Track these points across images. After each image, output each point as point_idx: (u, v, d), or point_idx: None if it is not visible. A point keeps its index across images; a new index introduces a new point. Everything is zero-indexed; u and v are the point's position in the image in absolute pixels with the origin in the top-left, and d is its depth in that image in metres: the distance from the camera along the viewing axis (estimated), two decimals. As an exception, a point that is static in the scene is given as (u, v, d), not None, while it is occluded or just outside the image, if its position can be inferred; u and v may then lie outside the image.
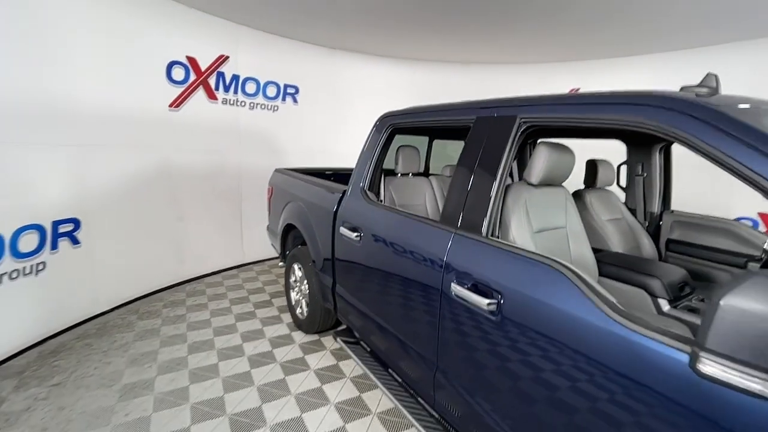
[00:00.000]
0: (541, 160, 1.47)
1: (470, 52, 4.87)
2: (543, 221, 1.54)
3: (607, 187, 2.28)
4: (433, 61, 5.35)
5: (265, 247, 4.19)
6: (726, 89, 1.20)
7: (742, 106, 1.00)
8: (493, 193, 1.37)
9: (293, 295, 3.09)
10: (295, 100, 4.78)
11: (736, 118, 0.89)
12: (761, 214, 4.01)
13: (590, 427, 0.98)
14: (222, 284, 3.96)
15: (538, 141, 1.55)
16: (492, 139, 1.44)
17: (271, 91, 4.53)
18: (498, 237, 1.41)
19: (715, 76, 1.12)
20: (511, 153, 1.38)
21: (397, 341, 1.79)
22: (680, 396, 0.80)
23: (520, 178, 3.02)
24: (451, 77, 5.42)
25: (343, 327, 2.88)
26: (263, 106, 4.49)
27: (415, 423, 1.60)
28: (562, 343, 1.04)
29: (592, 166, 2.19)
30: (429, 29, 4.01)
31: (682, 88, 1.16)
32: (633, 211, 2.30)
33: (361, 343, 2.31)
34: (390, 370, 2.02)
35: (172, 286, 3.80)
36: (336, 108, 5.13)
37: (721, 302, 0.64)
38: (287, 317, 3.24)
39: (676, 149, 2.96)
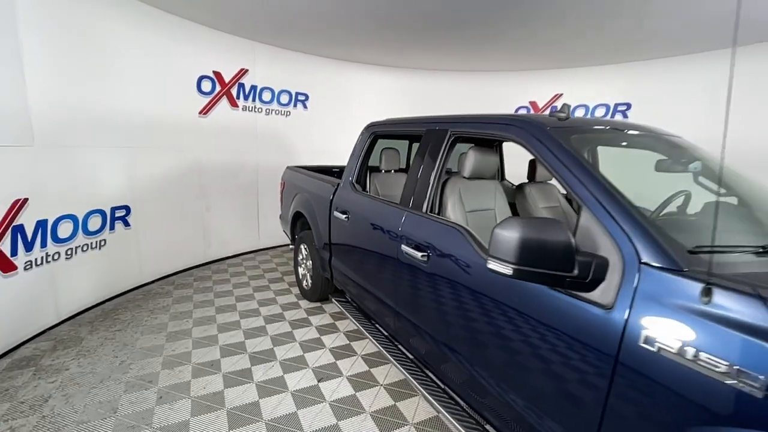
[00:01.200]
0: (470, 161, 2.06)
1: (461, 61, 5.42)
2: (474, 204, 2.12)
3: (549, 181, 2.83)
4: (428, 69, 5.92)
5: (278, 235, 4.87)
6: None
7: (571, 129, 1.57)
8: (431, 182, 1.98)
9: (300, 271, 3.74)
10: (305, 106, 5.43)
11: (555, 138, 1.47)
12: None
13: (473, 311, 1.58)
14: (241, 264, 4.65)
15: (469, 147, 2.12)
16: (433, 145, 2.05)
17: (284, 98, 5.19)
18: (437, 214, 2.01)
19: (568, 105, 1.70)
20: (445, 155, 1.98)
21: (374, 297, 2.41)
22: (483, 286, 1.45)
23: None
24: (444, 84, 5.98)
25: (340, 293, 3.52)
26: (277, 112, 5.16)
27: (392, 360, 2.18)
28: (461, 274, 1.64)
29: (532, 164, 2.75)
30: (423, 42, 4.55)
31: (551, 114, 1.74)
32: (570, 201, 2.85)
33: (352, 302, 2.94)
34: (373, 322, 2.64)
35: (200, 265, 4.51)
36: (341, 112, 5.76)
37: (495, 230, 1.22)
38: (296, 290, 3.89)
39: (622, 153, 3.48)
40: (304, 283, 3.67)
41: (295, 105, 5.33)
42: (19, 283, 2.67)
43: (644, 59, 4.96)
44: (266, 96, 5.00)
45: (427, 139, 2.11)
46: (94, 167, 3.26)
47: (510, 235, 1.16)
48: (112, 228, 3.46)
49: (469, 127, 1.89)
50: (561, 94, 5.79)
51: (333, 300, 3.04)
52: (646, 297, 1.05)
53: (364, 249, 2.49)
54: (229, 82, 4.56)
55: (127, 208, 3.61)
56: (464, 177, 2.11)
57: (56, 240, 2.94)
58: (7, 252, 2.57)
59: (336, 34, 4.34)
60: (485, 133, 1.79)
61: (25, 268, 2.71)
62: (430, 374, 2.03)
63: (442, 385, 1.94)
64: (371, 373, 2.54)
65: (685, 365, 0.94)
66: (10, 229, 2.58)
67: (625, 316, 1.07)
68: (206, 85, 4.33)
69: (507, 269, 1.16)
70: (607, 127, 1.93)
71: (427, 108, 3.74)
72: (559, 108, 1.72)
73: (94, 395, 2.22)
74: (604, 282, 1.14)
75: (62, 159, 2.95)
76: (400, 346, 2.30)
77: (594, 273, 1.14)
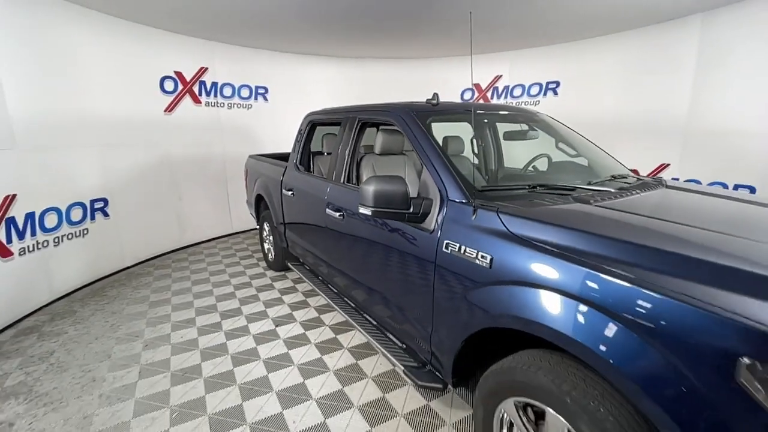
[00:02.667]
0: (378, 141, 2.59)
1: (409, 49, 5.88)
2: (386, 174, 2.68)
3: (462, 154, 3.41)
4: (379, 58, 6.39)
5: (250, 219, 5.36)
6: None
7: (430, 113, 2.13)
8: (346, 159, 2.52)
9: (266, 246, 4.28)
10: (266, 99, 5.87)
11: (417, 122, 2.02)
12: (633, 170, 5.15)
13: (369, 251, 2.15)
14: (215, 247, 5.16)
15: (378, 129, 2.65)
16: (348, 129, 2.59)
17: (245, 92, 5.61)
18: (356, 184, 2.56)
19: (437, 94, 2.26)
20: (355, 137, 2.52)
21: (314, 255, 2.98)
22: (373, 232, 2.00)
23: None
24: (394, 72, 6.47)
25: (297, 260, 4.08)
26: (239, 105, 5.59)
27: (337, 307, 2.71)
28: (362, 226, 2.21)
29: (445, 140, 3.31)
30: (372, 33, 4.95)
31: (427, 100, 2.29)
32: (479, 169, 3.44)
33: (304, 265, 3.50)
34: (321, 278, 3.21)
35: (177, 250, 4.99)
36: (300, 103, 6.18)
37: (360, 186, 1.77)
38: (263, 263, 4.43)
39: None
40: (270, 256, 4.21)
41: (255, 98, 5.76)
42: (17, 266, 3.14)
43: (573, 40, 5.54)
44: (227, 91, 5.41)
45: (344, 125, 2.65)
46: (71, 164, 3.69)
47: (369, 188, 1.72)
48: (92, 218, 3.92)
49: (367, 114, 2.45)
50: (501, 76, 6.36)
51: (289, 264, 3.60)
52: (450, 221, 1.63)
53: (305, 217, 3.04)
54: (191, 80, 4.96)
55: (105, 200, 4.06)
56: (376, 154, 2.67)
57: (44, 230, 3.40)
58: (4, 240, 3.03)
59: (286, 31, 4.76)
60: (376, 119, 2.34)
61: (20, 254, 3.17)
62: (359, 311, 2.61)
63: (371, 320, 2.49)
64: (321, 318, 3.13)
65: (462, 257, 1.53)
66: (3, 220, 3.03)
67: (438, 235, 1.65)
68: (169, 85, 4.73)
69: (368, 211, 1.73)
70: (462, 110, 2.50)
71: (379, 95, 4.19)
72: (432, 96, 2.27)
73: (91, 348, 2.75)
74: (429, 215, 1.72)
75: (42, 158, 3.38)
76: (344, 298, 2.87)
77: (423, 209, 1.72)
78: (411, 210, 1.71)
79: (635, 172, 5.40)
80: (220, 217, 5.58)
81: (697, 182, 4.51)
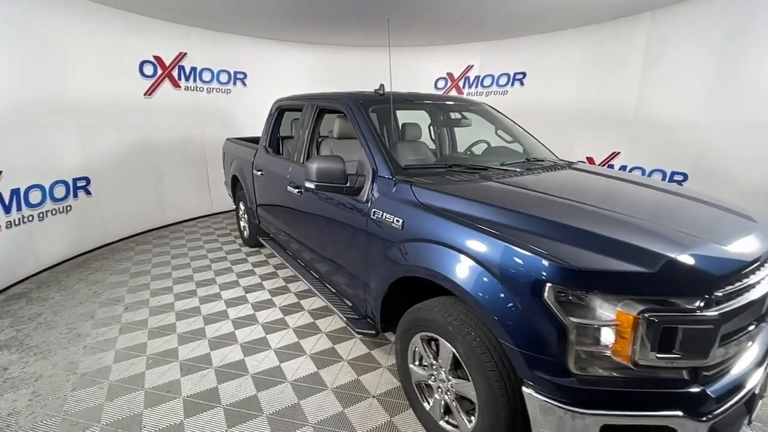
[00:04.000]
0: (335, 126, 2.88)
1: (382, 38, 6.11)
2: (343, 156, 2.99)
3: (420, 140, 3.72)
4: (355, 46, 6.60)
5: (230, 201, 5.62)
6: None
7: (373, 102, 2.43)
8: (306, 141, 2.82)
9: (241, 224, 4.58)
10: (244, 84, 6.07)
11: (360, 110, 2.33)
12: (588, 158, 5.55)
13: (320, 222, 2.48)
14: (196, 226, 5.43)
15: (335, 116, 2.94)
16: (308, 115, 2.88)
17: (224, 77, 5.81)
18: (314, 164, 2.86)
19: (383, 85, 2.56)
20: (314, 122, 2.82)
21: (279, 229, 3.29)
22: (322, 207, 2.32)
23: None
24: (370, 59, 6.67)
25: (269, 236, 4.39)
26: (218, 90, 5.78)
27: (301, 277, 3.03)
28: (315, 200, 2.52)
29: (403, 127, 3.62)
30: (349, 21, 5.15)
31: (374, 91, 2.59)
32: (435, 153, 3.76)
33: (274, 239, 3.81)
34: (287, 251, 3.53)
35: (158, 228, 5.25)
36: (278, 88, 6.33)
37: (305, 163, 2.08)
38: (239, 240, 4.73)
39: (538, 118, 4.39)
40: (245, 233, 4.51)
41: (234, 83, 5.95)
42: (4, 238, 3.39)
43: (538, 33, 5.83)
44: (206, 76, 5.60)
45: (305, 111, 2.95)
46: (54, 144, 3.91)
47: (312, 165, 2.04)
48: (75, 196, 4.15)
49: (323, 102, 2.74)
50: (472, 66, 6.65)
51: (260, 239, 3.92)
52: (378, 193, 1.97)
53: (272, 194, 3.35)
54: (170, 64, 5.14)
55: (87, 179, 4.29)
56: (335, 137, 2.97)
57: (29, 205, 3.64)
58: (-9, 213, 3.28)
59: (264, 17, 4.95)
60: (330, 106, 2.64)
61: (6, 227, 3.42)
62: (319, 279, 2.94)
63: (331, 288, 2.79)
64: (287, 287, 3.47)
65: (383, 221, 1.87)
66: (-9, 195, 3.27)
67: (369, 205, 1.99)
68: (148, 69, 4.91)
69: (312, 185, 2.05)
70: (404, 100, 2.80)
71: (353, 82, 4.43)
72: (378, 87, 2.58)
73: (76, 310, 3.05)
74: (363, 188, 2.05)
75: (26, 138, 3.59)
76: (307, 268, 3.20)
77: (358, 184, 2.05)
78: (348, 184, 2.04)
79: (590, 160, 5.81)
80: (201, 198, 5.83)
81: (642, 170, 4.92)
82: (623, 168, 5.16)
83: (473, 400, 1.53)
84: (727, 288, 1.23)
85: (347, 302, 2.52)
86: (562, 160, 2.70)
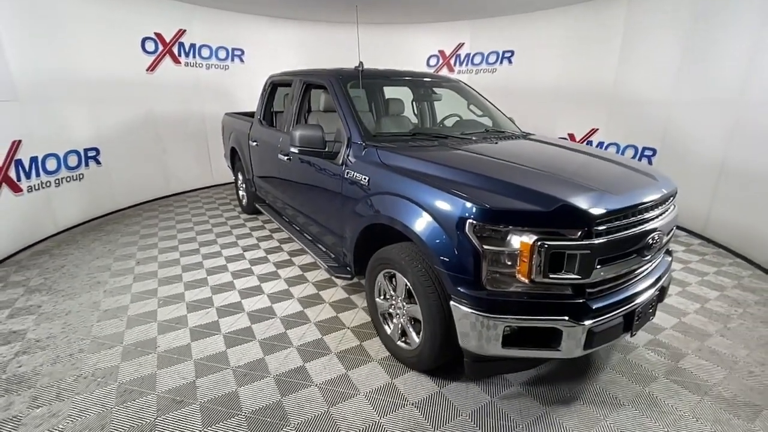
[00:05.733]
0: (321, 100, 3.20)
1: (380, 14, 6.28)
2: (329, 128, 3.31)
3: (402, 114, 4.03)
4: (350, 23, 6.78)
5: (230, 172, 5.97)
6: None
7: (350, 77, 2.74)
8: (294, 113, 3.15)
9: (240, 193, 4.95)
10: (242, 60, 6.30)
11: (340, 84, 2.64)
12: (569, 134, 5.84)
13: (306, 185, 2.84)
14: (198, 196, 5.80)
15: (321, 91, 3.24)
16: (297, 89, 3.19)
17: (222, 54, 6.05)
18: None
19: (362, 62, 2.86)
20: (301, 96, 3.13)
21: (273, 195, 3.66)
22: (306, 172, 2.67)
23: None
24: (363, 36, 6.85)
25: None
26: (217, 66, 6.04)
27: (290, 234, 3.42)
28: (302, 166, 2.87)
29: (387, 102, 3.92)
30: None
31: (355, 68, 2.89)
32: (417, 125, 4.07)
33: (269, 205, 4.19)
34: (281, 215, 3.90)
35: (163, 197, 5.63)
36: (275, 64, 6.58)
37: (290, 131, 2.42)
38: (239, 209, 5.11)
39: (528, 97, 4.69)
40: (244, 201, 4.89)
41: (232, 59, 6.19)
42: (26, 201, 3.77)
43: (526, 11, 6.00)
44: (205, 52, 5.85)
45: (293, 86, 3.26)
46: (66, 116, 4.24)
47: (295, 133, 2.38)
48: (86, 165, 4.51)
49: (309, 78, 3.05)
50: (463, 43, 6.83)
51: (257, 205, 4.29)
52: (351, 157, 2.32)
53: (265, 162, 3.70)
54: (170, 41, 5.39)
55: (97, 150, 4.64)
56: (321, 111, 3.29)
57: (46, 172, 4.01)
58: (14, 178, 3.65)
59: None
60: (314, 81, 2.95)
61: (28, 191, 3.80)
62: (311, 240, 3.32)
63: (320, 246, 3.16)
64: (281, 247, 3.86)
65: (354, 180, 2.23)
66: (13, 161, 3.63)
67: (343, 168, 2.34)
68: (150, 45, 5.17)
69: (296, 149, 2.41)
70: (382, 75, 3.11)
71: (347, 59, 4.64)
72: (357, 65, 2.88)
73: (94, 263, 3.46)
74: (339, 153, 2.40)
75: (41, 110, 3.93)
76: (295, 226, 3.58)
77: (335, 149, 2.40)
78: (326, 149, 2.39)
79: (571, 136, 6.08)
80: (202, 170, 6.18)
81: (617, 146, 5.22)
82: (600, 144, 5.46)
83: (419, 318, 1.92)
84: (606, 224, 1.60)
85: (330, 255, 2.91)
86: (523, 132, 3.02)
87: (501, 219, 1.57)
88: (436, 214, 1.72)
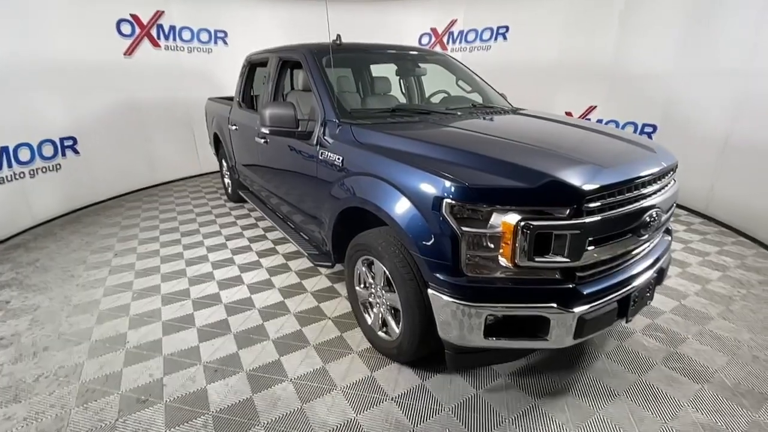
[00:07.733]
0: (299, 78, 3.01)
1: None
2: (307, 108, 3.13)
3: (388, 93, 3.83)
4: (337, 1, 6.49)
5: (217, 161, 5.79)
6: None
7: (325, 52, 2.54)
8: (270, 91, 2.96)
9: (225, 180, 4.78)
10: (225, 43, 6.05)
11: (315, 59, 2.45)
12: (566, 113, 5.62)
13: (281, 167, 2.68)
14: (184, 185, 5.64)
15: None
16: (273, 67, 2.99)
17: (204, 36, 5.79)
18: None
19: (340, 35, 2.66)
20: (279, 73, 2.94)
21: (252, 180, 3.49)
22: (281, 152, 2.50)
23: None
24: (354, 15, 6.58)
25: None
26: (199, 50, 5.79)
27: (273, 222, 3.26)
28: (278, 147, 2.70)
29: (373, 80, 3.72)
30: None
31: (332, 42, 2.69)
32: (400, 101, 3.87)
33: (252, 192, 4.03)
34: (266, 205, 3.74)
35: (148, 187, 5.46)
36: (260, 46, 6.36)
37: (260, 110, 2.24)
38: (224, 197, 4.95)
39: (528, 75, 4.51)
40: (229, 189, 4.72)
41: (215, 42, 5.94)
42: (-2, 193, 3.62)
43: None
44: (186, 35, 5.59)
45: (269, 63, 3.06)
46: (39, 105, 4.05)
47: (265, 111, 2.20)
48: (63, 155, 4.34)
49: (285, 54, 2.85)
50: (456, 20, 6.55)
51: (240, 192, 4.13)
52: (327, 135, 2.14)
53: (245, 146, 3.52)
54: (148, 23, 5.14)
55: (74, 139, 4.45)
56: (300, 90, 3.10)
57: (19, 162, 3.84)
58: (-17, 169, 3.49)
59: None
60: (290, 57, 2.75)
61: (0, 182, 3.64)
62: (294, 228, 3.17)
63: (303, 235, 3.02)
64: (266, 235, 3.71)
65: (328, 160, 2.06)
66: (-19, 152, 3.47)
67: (318, 148, 2.17)
68: (126, 28, 4.93)
69: (267, 130, 2.23)
70: (361, 50, 2.91)
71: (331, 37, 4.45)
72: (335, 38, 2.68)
73: (70, 256, 3.33)
74: (313, 132, 2.23)
75: (11, 98, 3.73)
76: (277, 213, 3.43)
77: (308, 128, 2.22)
78: (299, 129, 2.21)
79: (569, 114, 5.87)
80: (189, 158, 6.00)
81: (616, 122, 5.02)
82: (599, 122, 5.25)
83: (399, 308, 1.78)
84: (599, 201, 1.44)
85: (312, 244, 2.76)
86: (513, 107, 2.84)
87: (481, 197, 1.41)
88: (410, 194, 1.56)
